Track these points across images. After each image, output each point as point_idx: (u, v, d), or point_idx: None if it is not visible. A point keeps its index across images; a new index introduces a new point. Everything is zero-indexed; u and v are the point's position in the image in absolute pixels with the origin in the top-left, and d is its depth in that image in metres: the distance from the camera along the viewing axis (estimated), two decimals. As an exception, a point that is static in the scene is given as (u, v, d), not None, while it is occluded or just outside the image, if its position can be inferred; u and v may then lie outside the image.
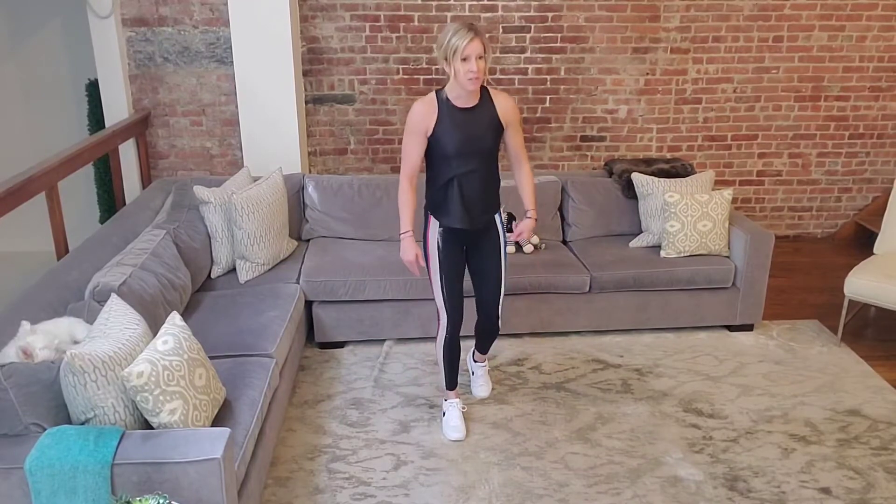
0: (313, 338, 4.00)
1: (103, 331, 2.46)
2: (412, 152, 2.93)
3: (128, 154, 4.81)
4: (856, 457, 3.10)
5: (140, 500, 1.98)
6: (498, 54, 5.13)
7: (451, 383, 3.29)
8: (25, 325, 2.45)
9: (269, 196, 3.90)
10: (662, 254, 4.13)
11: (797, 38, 5.24)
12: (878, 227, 4.41)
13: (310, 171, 5.19)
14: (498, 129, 2.97)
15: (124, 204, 4.52)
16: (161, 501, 1.97)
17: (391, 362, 3.85)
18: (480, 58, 2.75)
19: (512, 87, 5.19)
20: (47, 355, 2.38)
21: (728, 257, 4.14)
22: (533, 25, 5.09)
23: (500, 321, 3.31)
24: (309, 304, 3.91)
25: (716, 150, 5.49)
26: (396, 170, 5.10)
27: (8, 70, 5.29)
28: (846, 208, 5.73)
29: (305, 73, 5.06)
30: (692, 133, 5.44)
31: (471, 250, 3.14)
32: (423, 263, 3.06)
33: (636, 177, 4.36)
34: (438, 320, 3.17)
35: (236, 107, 4.81)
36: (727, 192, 4.16)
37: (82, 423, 2.27)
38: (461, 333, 3.20)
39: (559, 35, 5.13)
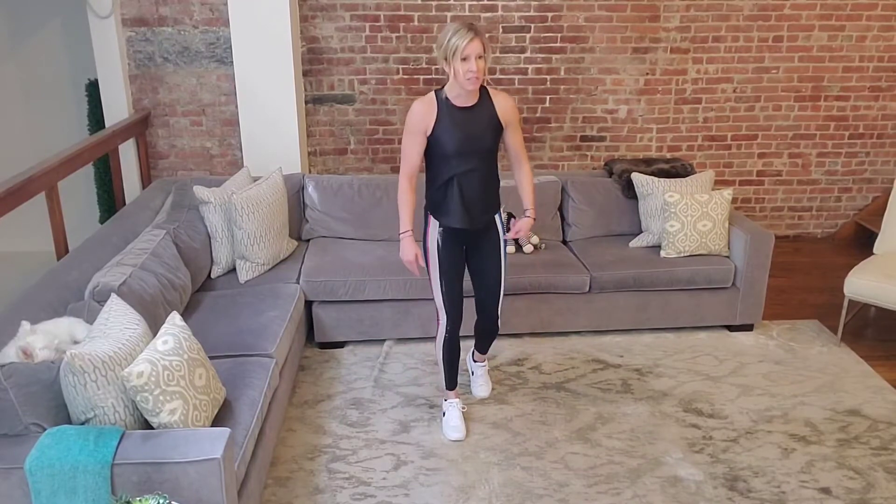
0: (313, 338, 4.00)
1: (103, 331, 2.46)
2: (411, 152, 2.93)
3: (128, 154, 4.81)
4: (856, 457, 3.10)
5: (140, 500, 1.98)
6: (498, 54, 5.13)
7: (451, 383, 3.29)
8: (25, 325, 2.45)
9: (269, 196, 3.90)
10: (662, 254, 4.14)
11: (797, 38, 5.24)
12: (878, 227, 4.41)
13: (310, 171, 5.19)
14: (497, 128, 2.97)
15: (124, 204, 4.52)
16: (161, 501, 1.97)
17: (391, 362, 3.85)
18: (480, 57, 2.75)
19: (512, 87, 5.19)
20: (47, 355, 2.38)
21: (728, 257, 4.14)
22: (533, 25, 5.10)
23: (499, 321, 3.31)
24: (309, 304, 3.91)
25: (716, 150, 5.49)
26: (396, 170, 5.10)
27: (8, 70, 5.29)
28: (846, 208, 5.73)
29: (305, 73, 5.06)
30: (692, 133, 5.44)
31: (471, 250, 3.14)
32: (422, 263, 3.06)
33: (636, 177, 4.36)
34: (438, 320, 3.17)
35: (236, 107, 4.81)
36: (727, 192, 4.16)
37: (82, 423, 2.27)
38: (461, 333, 3.20)
39: (559, 35, 5.13)
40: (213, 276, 3.86)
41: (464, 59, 2.74)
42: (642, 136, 5.42)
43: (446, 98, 2.89)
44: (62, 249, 3.66)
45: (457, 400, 3.30)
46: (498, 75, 5.17)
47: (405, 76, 5.13)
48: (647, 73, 5.26)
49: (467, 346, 3.55)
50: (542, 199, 4.31)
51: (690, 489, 2.90)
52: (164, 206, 4.09)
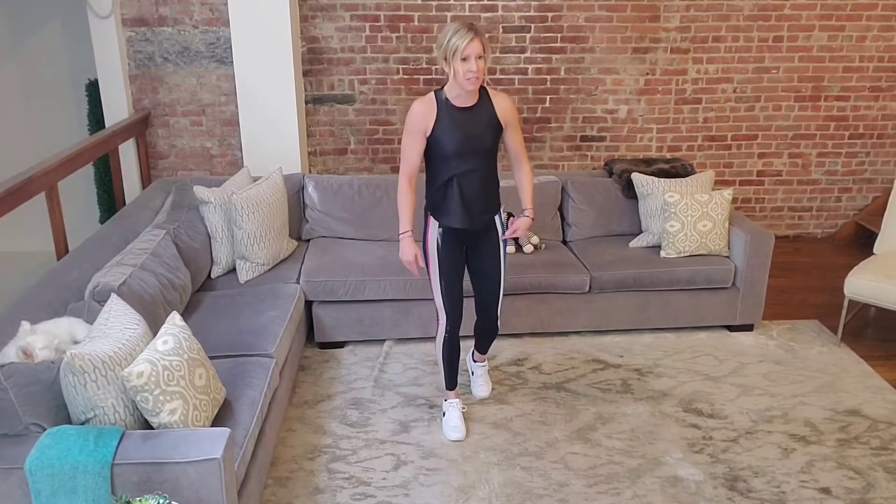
0: (313, 338, 4.00)
1: (103, 331, 2.46)
2: (411, 152, 2.93)
3: (128, 154, 4.81)
4: (856, 457, 3.10)
5: (140, 500, 1.98)
6: (498, 54, 5.13)
7: (451, 383, 3.29)
8: (25, 325, 2.46)
9: (269, 196, 3.90)
10: (662, 254, 4.13)
11: (797, 38, 5.24)
12: (878, 227, 4.41)
13: (310, 171, 5.19)
14: (497, 128, 2.97)
15: (124, 204, 4.52)
16: (161, 501, 1.97)
17: (391, 362, 3.85)
18: (480, 58, 2.75)
19: (512, 87, 5.19)
20: (47, 355, 2.38)
21: (728, 257, 4.14)
22: (533, 25, 5.10)
23: (499, 322, 3.31)
24: (309, 304, 3.91)
25: (716, 150, 5.49)
26: (396, 170, 5.10)
27: (8, 70, 5.29)
28: (846, 208, 5.73)
29: (305, 73, 5.06)
30: (692, 133, 5.44)
31: (470, 250, 3.14)
32: (422, 264, 3.06)
33: (636, 177, 4.36)
34: (438, 320, 3.17)
35: (236, 107, 4.81)
36: (727, 192, 4.16)
37: (82, 423, 2.27)
38: (461, 333, 3.20)
39: (559, 35, 5.13)
40: (213, 276, 3.86)
41: (464, 60, 2.74)
42: (642, 136, 5.42)
43: (446, 98, 2.89)
44: (62, 249, 3.66)
45: (457, 400, 3.30)
46: (498, 75, 5.17)
47: (405, 76, 5.13)
48: (647, 73, 5.26)
49: (467, 347, 3.55)
50: (542, 199, 4.31)
51: (690, 489, 2.90)
52: (164, 206, 4.09)
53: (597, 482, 2.94)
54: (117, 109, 4.82)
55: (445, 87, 2.90)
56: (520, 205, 3.22)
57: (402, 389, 3.60)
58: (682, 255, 4.10)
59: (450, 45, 2.74)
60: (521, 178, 3.15)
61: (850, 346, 4.04)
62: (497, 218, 3.14)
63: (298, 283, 3.84)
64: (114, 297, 2.66)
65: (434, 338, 3.24)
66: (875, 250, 4.20)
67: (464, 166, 2.93)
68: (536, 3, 5.04)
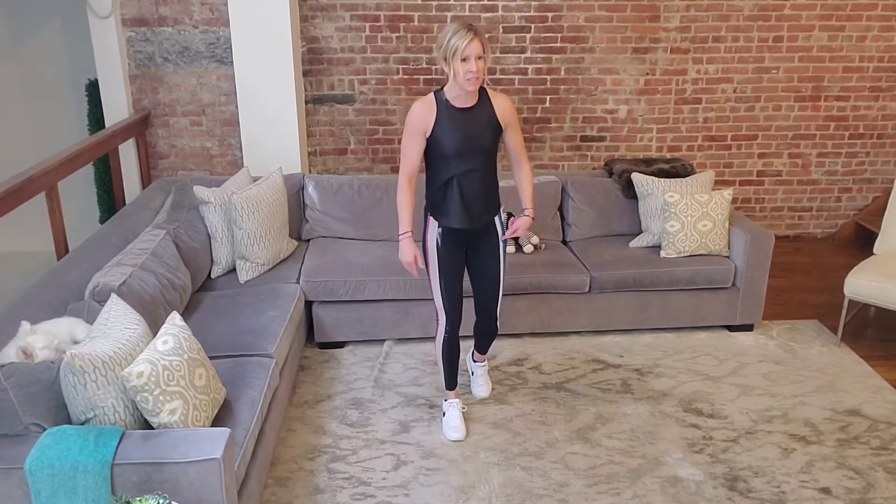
0: (313, 338, 4.00)
1: (103, 331, 2.46)
2: (411, 152, 2.93)
3: (128, 154, 4.81)
4: (856, 457, 3.10)
5: (140, 500, 1.98)
6: (498, 54, 5.13)
7: (451, 383, 3.29)
8: (25, 325, 2.45)
9: (269, 196, 3.90)
10: (662, 254, 4.13)
11: (797, 38, 5.24)
12: (878, 227, 4.41)
13: (310, 171, 5.19)
14: (497, 129, 2.97)
15: (124, 204, 4.52)
16: (161, 501, 1.97)
17: (391, 362, 3.85)
18: (480, 58, 2.75)
19: (512, 87, 5.19)
20: (47, 355, 2.38)
21: (728, 257, 4.14)
22: (533, 25, 5.10)
23: (498, 322, 3.31)
24: (309, 304, 3.91)
25: (716, 150, 5.49)
26: (396, 170, 5.09)
27: (8, 70, 5.29)
28: (846, 208, 5.73)
29: (305, 73, 5.06)
30: (692, 133, 5.44)
31: (470, 251, 3.14)
32: (421, 265, 3.06)
33: (636, 177, 4.36)
34: (437, 320, 3.17)
35: (236, 107, 4.81)
36: (727, 192, 4.16)
37: (82, 423, 2.27)
38: (461, 333, 3.20)
39: (559, 35, 5.13)
40: (213, 276, 3.86)
41: (463, 60, 2.74)
42: (642, 136, 5.42)
43: (445, 99, 2.89)
44: (62, 249, 3.66)
45: (457, 400, 3.30)
46: (498, 75, 5.17)
47: (405, 76, 5.13)
48: (647, 73, 5.26)
49: (467, 347, 3.55)
50: (542, 199, 4.31)
51: (690, 489, 2.90)
52: (164, 206, 4.09)
53: (597, 482, 2.94)
54: (117, 109, 4.82)
55: (445, 88, 2.90)
56: (520, 205, 3.22)
57: (402, 389, 3.60)
58: (682, 255, 4.10)
59: (449, 45, 2.74)
60: (521, 177, 3.15)
61: (850, 346, 4.04)
62: (497, 218, 3.14)
63: (298, 283, 3.84)
64: (114, 297, 2.66)
65: (434, 338, 3.24)
66: (875, 250, 4.20)
67: (464, 166, 2.93)
68: (536, 3, 5.04)
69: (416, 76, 5.13)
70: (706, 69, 5.27)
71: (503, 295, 3.25)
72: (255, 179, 4.10)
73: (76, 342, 2.51)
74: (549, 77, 5.21)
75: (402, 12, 4.99)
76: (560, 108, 5.30)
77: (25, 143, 5.29)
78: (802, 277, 4.99)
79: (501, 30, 5.08)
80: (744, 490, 2.90)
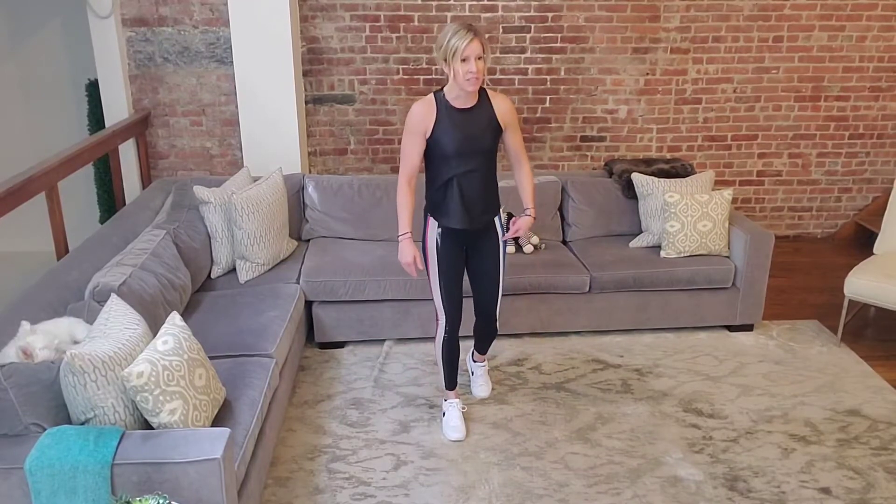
0: (313, 338, 4.00)
1: (103, 331, 2.46)
2: (411, 153, 2.93)
3: (128, 154, 4.81)
4: (856, 457, 3.10)
5: (140, 500, 1.97)
6: (498, 54, 5.13)
7: (451, 383, 3.29)
8: (25, 325, 2.46)
9: (269, 196, 3.90)
10: (662, 254, 4.13)
11: (797, 38, 5.24)
12: (878, 227, 4.41)
13: (310, 171, 5.19)
14: (496, 129, 2.97)
15: (124, 204, 4.52)
16: (161, 501, 1.97)
17: (391, 362, 3.85)
18: (480, 58, 2.75)
19: (512, 88, 5.19)
20: (47, 355, 2.38)
21: (728, 257, 4.14)
22: (533, 25, 5.10)
23: (498, 322, 3.31)
24: (309, 304, 3.91)
25: (716, 150, 5.49)
26: (396, 170, 5.08)
27: (8, 70, 5.29)
28: (846, 208, 5.73)
29: (305, 73, 5.06)
30: (692, 133, 5.44)
31: (470, 251, 3.14)
32: (421, 266, 3.05)
33: (636, 177, 4.36)
34: (437, 321, 3.17)
35: (236, 107, 4.81)
36: (727, 192, 4.16)
37: (82, 423, 2.27)
38: (460, 334, 3.20)
39: (559, 35, 5.13)
40: (213, 276, 3.86)
41: (463, 61, 2.74)
42: (642, 136, 5.42)
43: (445, 100, 2.89)
44: (62, 249, 3.66)
45: (457, 400, 3.30)
46: (498, 75, 5.17)
47: (405, 76, 5.13)
48: (647, 74, 5.26)
49: (467, 347, 3.55)
50: (542, 199, 4.31)
51: (690, 489, 2.90)
52: (164, 206, 4.09)
53: (597, 482, 2.94)
54: (117, 109, 4.82)
55: (445, 89, 2.91)
56: (520, 205, 3.22)
57: (402, 389, 3.60)
58: (682, 255, 4.10)
59: (449, 46, 2.74)
60: (521, 177, 3.15)
61: (850, 346, 4.04)
62: (497, 219, 3.14)
63: (298, 283, 3.84)
64: (114, 297, 2.66)
65: (434, 338, 3.24)
66: (875, 250, 4.20)
67: (464, 167, 2.93)
68: (536, 3, 5.04)
69: (416, 76, 5.13)
70: (706, 69, 5.27)
71: (503, 295, 3.25)
72: (255, 179, 4.10)
73: (76, 342, 2.51)
74: (549, 77, 5.21)
75: (402, 12, 4.99)
76: (560, 108, 5.30)
77: (25, 143, 5.29)
78: (802, 277, 4.99)
79: (501, 30, 5.08)
80: (744, 490, 2.90)
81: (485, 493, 2.88)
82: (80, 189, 5.21)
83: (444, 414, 3.29)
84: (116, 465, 2.10)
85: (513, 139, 3.06)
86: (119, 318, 2.53)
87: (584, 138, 5.39)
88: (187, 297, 3.46)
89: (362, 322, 3.94)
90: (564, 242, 4.45)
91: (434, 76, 5.11)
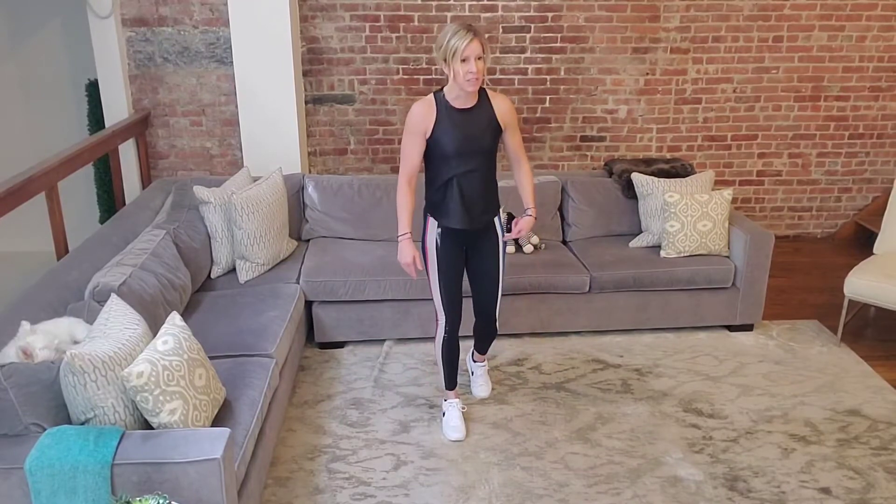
0: (313, 338, 4.00)
1: (103, 331, 2.46)
2: (411, 153, 2.93)
3: (128, 154, 4.81)
4: (856, 457, 3.10)
5: (140, 500, 1.98)
6: (498, 54, 5.13)
7: (451, 383, 3.29)
8: (25, 325, 2.46)
9: (269, 196, 3.90)
10: (662, 254, 4.13)
11: (797, 38, 5.24)
12: (877, 227, 4.41)
13: (310, 171, 5.19)
14: (496, 130, 2.97)
15: (124, 204, 4.52)
16: (161, 501, 1.97)
17: (391, 362, 3.85)
18: (479, 59, 2.75)
19: (512, 88, 5.19)
20: (47, 355, 2.38)
21: (728, 257, 4.14)
22: (533, 25, 5.10)
23: (497, 323, 3.31)
24: (309, 304, 3.91)
25: (716, 150, 5.49)
26: (396, 170, 5.07)
27: (8, 70, 5.29)
28: (846, 208, 5.73)
29: (305, 73, 5.06)
30: (692, 133, 5.44)
31: (470, 251, 3.14)
32: (420, 266, 3.05)
33: (636, 177, 4.37)
34: (437, 321, 3.17)
35: (236, 107, 4.81)
36: (727, 192, 4.16)
37: (82, 423, 2.27)
38: (460, 333, 3.20)
39: (559, 35, 5.13)
40: (213, 276, 3.86)
41: (463, 61, 2.74)
42: (642, 136, 5.42)
43: (445, 100, 2.90)
44: (62, 249, 3.66)
45: (457, 400, 3.30)
46: (498, 75, 5.17)
47: (405, 76, 5.13)
48: (647, 73, 5.26)
49: (467, 347, 3.55)
50: (542, 199, 4.31)
51: (690, 489, 2.90)
52: (164, 206, 4.09)
53: (597, 482, 2.94)
54: (117, 109, 4.82)
55: (445, 89, 2.91)
56: (520, 205, 3.22)
57: (402, 389, 3.60)
58: (682, 255, 4.10)
59: (449, 46, 2.74)
60: (521, 177, 3.15)
61: (850, 346, 4.04)
62: (496, 219, 3.14)
63: (298, 283, 3.84)
64: (114, 297, 2.66)
65: (434, 338, 3.24)
66: (875, 250, 4.20)
67: (464, 167, 2.93)
68: (536, 3, 5.04)
69: (416, 76, 5.13)
70: (706, 69, 5.27)
71: (503, 295, 3.25)
72: (255, 179, 4.10)
73: (76, 342, 2.51)
74: (548, 77, 5.21)
75: (402, 12, 4.99)
76: (560, 108, 5.30)
77: (25, 143, 5.30)
78: (802, 277, 4.99)
79: (501, 30, 5.08)
80: (744, 490, 2.90)
81: (485, 493, 2.88)
82: (80, 189, 5.21)
83: (444, 414, 3.29)
84: (116, 465, 2.10)
85: (512, 139, 3.06)
86: (119, 318, 2.53)
87: (583, 138, 5.39)
88: (187, 297, 3.46)
89: (362, 322, 3.94)
90: (564, 242, 4.45)
91: (434, 76, 5.11)
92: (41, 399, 2.24)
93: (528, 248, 4.17)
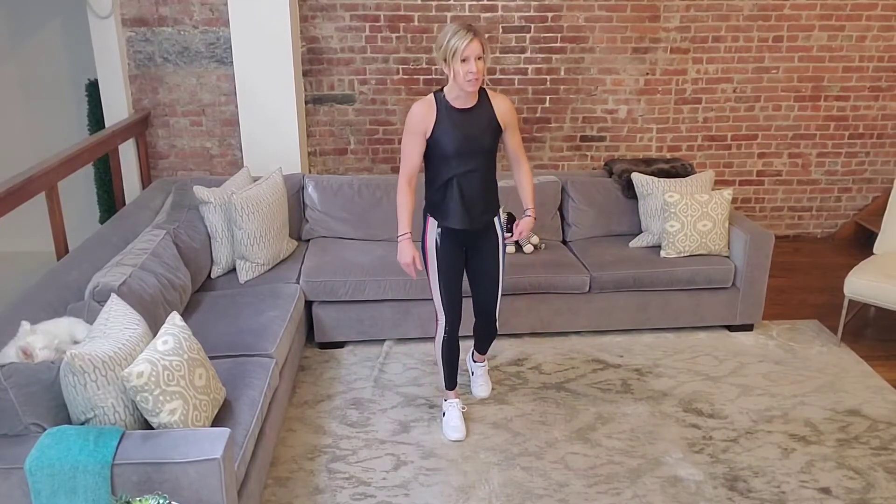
0: (313, 338, 4.00)
1: (103, 331, 2.46)
2: (411, 153, 2.93)
3: (128, 154, 4.81)
4: (856, 457, 3.10)
5: (140, 500, 1.98)
6: (498, 54, 5.13)
7: (451, 383, 3.29)
8: (25, 325, 2.46)
9: (269, 196, 3.90)
10: (662, 254, 4.14)
11: (797, 38, 5.24)
12: (877, 227, 4.41)
13: (310, 171, 5.19)
14: (496, 130, 2.97)
15: (124, 204, 4.52)
16: (161, 501, 1.97)
17: (391, 362, 3.85)
18: (479, 59, 2.75)
19: (512, 88, 5.19)
20: (47, 355, 2.38)
21: (728, 257, 4.14)
22: (533, 25, 5.10)
23: (497, 323, 3.31)
24: (309, 304, 3.91)
25: (716, 150, 5.49)
26: (396, 170, 5.10)
27: (8, 70, 5.29)
28: (846, 208, 5.73)
29: (305, 73, 5.06)
30: (692, 133, 5.44)
31: (470, 251, 3.14)
32: (420, 266, 3.05)
33: (636, 177, 4.37)
34: (437, 321, 3.17)
35: (236, 107, 4.81)
36: (727, 192, 4.16)
37: (82, 423, 2.27)
38: (460, 333, 3.20)
39: (559, 35, 5.13)
40: (213, 276, 3.86)
41: (463, 61, 2.74)
42: (642, 136, 5.42)
43: (446, 100, 2.90)
44: (62, 249, 3.66)
45: (457, 400, 3.30)
46: (498, 75, 5.17)
47: (405, 76, 5.13)
48: (647, 73, 5.26)
49: (467, 347, 3.55)
50: (542, 199, 4.31)
51: (690, 489, 2.90)
52: (164, 206, 4.09)
53: (597, 482, 2.94)
54: (117, 109, 4.82)
55: (445, 89, 2.91)
56: (520, 205, 3.22)
57: (402, 389, 3.60)
58: (682, 255, 4.10)
59: (449, 46, 2.74)
60: (521, 177, 3.15)
61: (850, 346, 4.04)
62: (496, 219, 3.14)
63: (298, 283, 3.84)
64: (114, 297, 2.66)
65: (433, 338, 3.24)
66: (875, 250, 4.20)
67: (464, 167, 2.93)
68: (536, 3, 5.04)
69: (416, 76, 5.13)
70: (706, 69, 5.27)
71: (503, 295, 3.25)
72: (255, 179, 4.10)
73: (76, 342, 2.51)
74: (548, 77, 5.21)
75: (402, 12, 4.99)
76: (560, 108, 5.30)
77: (25, 143, 5.30)
78: (802, 277, 4.99)
79: (501, 30, 5.08)
80: (744, 490, 2.90)
81: (485, 493, 2.88)
82: (80, 189, 5.21)
83: (444, 414, 3.30)
84: (116, 465, 2.10)
85: (512, 139, 3.06)
86: (119, 318, 2.53)
87: (583, 138, 5.39)
88: (187, 297, 3.46)
89: (362, 322, 3.94)
90: (564, 242, 4.45)
91: (434, 76, 5.11)
92: (41, 399, 2.24)
93: (528, 249, 4.17)
